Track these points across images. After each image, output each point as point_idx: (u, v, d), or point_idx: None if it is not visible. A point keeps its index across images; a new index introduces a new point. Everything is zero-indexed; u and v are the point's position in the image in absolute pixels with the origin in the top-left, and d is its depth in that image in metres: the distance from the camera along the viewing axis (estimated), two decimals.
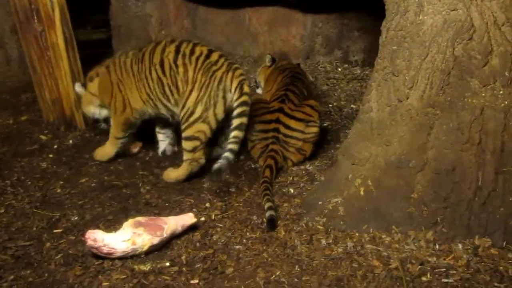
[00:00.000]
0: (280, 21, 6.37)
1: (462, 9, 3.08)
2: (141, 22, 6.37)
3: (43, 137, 4.96)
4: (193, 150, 4.07)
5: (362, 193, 3.43)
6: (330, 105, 5.47)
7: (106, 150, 4.50)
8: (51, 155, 4.63)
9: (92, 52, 6.87)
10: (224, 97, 4.01)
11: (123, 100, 4.37)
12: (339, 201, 3.49)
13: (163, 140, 4.62)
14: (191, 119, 4.04)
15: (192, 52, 4.12)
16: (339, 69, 6.30)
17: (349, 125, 4.66)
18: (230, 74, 4.02)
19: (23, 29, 4.81)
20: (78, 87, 4.63)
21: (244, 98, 3.94)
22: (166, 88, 4.16)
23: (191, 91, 4.04)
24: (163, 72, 4.15)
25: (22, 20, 4.76)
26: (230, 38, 6.63)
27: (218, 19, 6.58)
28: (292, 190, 3.99)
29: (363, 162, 3.46)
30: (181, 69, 4.09)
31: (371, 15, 5.50)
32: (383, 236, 3.30)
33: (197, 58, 4.08)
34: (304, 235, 3.38)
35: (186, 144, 4.10)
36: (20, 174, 4.29)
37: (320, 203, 3.58)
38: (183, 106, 4.06)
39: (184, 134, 4.10)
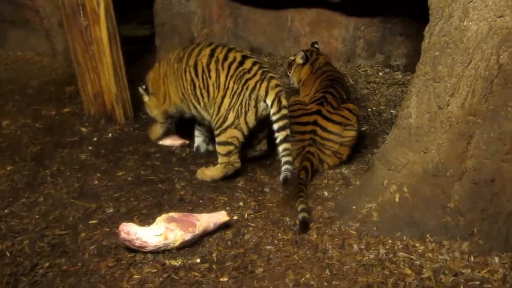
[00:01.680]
0: (323, 23, 6.33)
1: (509, 16, 2.99)
2: (184, 20, 6.43)
3: (83, 129, 5.06)
4: (228, 154, 4.10)
5: (397, 199, 3.38)
6: (369, 109, 5.41)
7: (155, 131, 4.77)
8: (90, 148, 4.72)
9: (136, 48, 7.01)
10: (256, 106, 4.00)
11: (165, 93, 4.52)
12: (373, 207, 3.45)
13: (198, 137, 4.66)
14: (224, 125, 4.07)
15: (225, 57, 4.14)
16: (380, 74, 6.22)
17: (388, 130, 4.59)
18: (264, 84, 3.99)
19: (69, 23, 4.93)
20: (142, 90, 4.79)
21: (283, 111, 3.92)
22: (198, 91, 4.21)
23: (223, 97, 4.06)
24: (196, 75, 4.21)
25: (69, 15, 4.87)
26: (272, 39, 6.63)
27: (260, 19, 6.58)
28: (326, 193, 3.96)
29: (399, 168, 3.41)
30: (213, 74, 4.12)
31: (415, 20, 5.40)
32: (417, 245, 3.24)
33: (230, 64, 4.10)
34: (336, 239, 3.36)
35: (220, 149, 4.13)
36: (60, 165, 4.40)
37: (354, 207, 3.55)
38: (216, 112, 4.09)
39: (217, 139, 4.14)
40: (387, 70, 6.28)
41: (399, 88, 5.83)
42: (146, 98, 4.78)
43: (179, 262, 3.18)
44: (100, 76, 5.01)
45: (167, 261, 3.18)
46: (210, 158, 4.46)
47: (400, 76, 6.15)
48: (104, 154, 4.61)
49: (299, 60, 5.08)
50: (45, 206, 3.81)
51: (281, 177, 3.70)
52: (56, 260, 3.22)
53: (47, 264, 3.18)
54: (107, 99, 5.11)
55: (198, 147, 4.68)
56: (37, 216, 3.68)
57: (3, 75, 6.64)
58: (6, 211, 3.75)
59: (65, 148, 4.69)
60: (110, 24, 4.88)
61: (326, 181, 4.13)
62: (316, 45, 5.33)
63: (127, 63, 5.22)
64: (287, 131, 3.88)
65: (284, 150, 3.83)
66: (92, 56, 4.95)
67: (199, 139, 4.68)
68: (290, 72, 5.21)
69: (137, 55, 6.83)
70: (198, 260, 3.20)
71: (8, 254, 3.29)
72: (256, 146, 4.38)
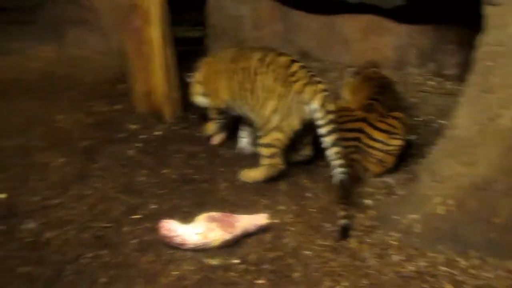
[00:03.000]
0: (374, 30, 6.25)
1: None
2: (235, 23, 6.49)
3: (132, 126, 5.18)
4: (271, 156, 4.11)
5: (441, 212, 3.31)
6: (418, 119, 5.31)
7: (210, 127, 4.82)
8: (138, 144, 4.82)
9: (187, 49, 7.11)
10: (301, 110, 3.98)
11: (216, 89, 4.57)
12: (416, 218, 3.39)
13: (244, 138, 4.69)
14: (268, 127, 4.08)
15: (273, 61, 4.16)
16: (431, 83, 6.08)
17: (435, 140, 4.49)
18: (310, 88, 3.98)
19: (123, 23, 5.06)
20: (188, 77, 4.89)
21: (330, 116, 3.90)
22: (246, 93, 4.25)
23: (268, 100, 4.07)
24: (245, 77, 4.25)
25: (123, 15, 5.00)
26: (321, 44, 6.60)
27: (311, 24, 6.56)
28: (368, 201, 3.91)
29: (445, 180, 3.34)
30: (260, 77, 4.15)
31: (470, 28, 5.27)
32: (459, 260, 3.17)
33: (277, 68, 4.11)
34: (376, 249, 3.32)
35: (263, 151, 4.14)
36: (108, 160, 4.51)
37: (396, 217, 3.50)
38: (260, 114, 4.12)
39: (261, 141, 4.15)
40: (439, 79, 6.13)
41: (450, 98, 5.66)
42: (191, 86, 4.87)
43: (217, 262, 3.22)
44: (150, 75, 5.11)
45: (205, 260, 3.22)
46: (254, 160, 4.47)
47: (452, 86, 5.99)
48: (151, 151, 4.70)
49: (349, 77, 5.08)
50: (92, 199, 3.93)
51: (337, 179, 3.71)
52: (99, 251, 3.32)
53: (91, 255, 3.29)
54: (156, 97, 5.21)
55: (242, 148, 4.71)
56: (84, 208, 3.80)
57: (60, 71, 6.87)
58: (56, 201, 3.89)
59: (114, 144, 4.81)
60: (162, 25, 4.98)
61: (369, 189, 4.08)
62: (375, 69, 5.25)
63: (178, 64, 5.30)
64: (335, 135, 3.85)
65: (335, 154, 3.81)
66: (143, 56, 5.06)
67: (244, 140, 4.71)
68: (342, 89, 5.20)
69: (188, 56, 6.90)
70: (236, 261, 3.23)
71: (55, 242, 3.42)
72: (301, 150, 4.38)
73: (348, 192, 3.78)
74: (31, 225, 3.60)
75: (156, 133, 5.06)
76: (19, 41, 7.36)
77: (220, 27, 6.53)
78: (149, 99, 5.23)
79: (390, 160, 4.27)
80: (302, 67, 4.12)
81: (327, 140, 3.85)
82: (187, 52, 6.92)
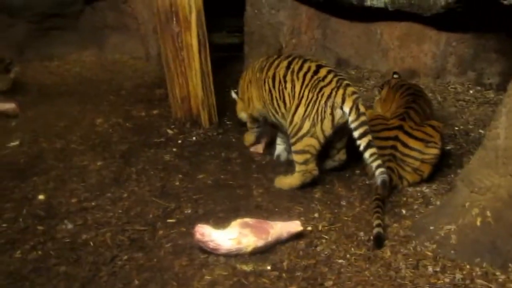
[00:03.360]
0: (413, 37, 6.19)
1: None
2: (273, 30, 6.51)
3: (169, 131, 5.25)
4: (305, 162, 4.10)
5: (478, 223, 3.24)
6: (456, 128, 5.21)
7: (248, 137, 4.90)
8: (174, 149, 4.89)
9: (225, 55, 7.19)
10: (332, 114, 3.97)
11: (249, 98, 4.64)
12: (453, 229, 3.33)
13: (280, 145, 4.70)
14: (300, 133, 4.08)
15: (300, 68, 4.17)
16: (471, 91, 5.98)
17: (474, 150, 4.40)
18: (340, 91, 3.96)
19: (162, 29, 5.14)
20: (234, 94, 5.04)
21: (362, 118, 3.88)
22: (275, 101, 4.28)
23: (297, 106, 4.08)
24: (273, 86, 4.28)
25: (163, 21, 5.08)
26: (359, 51, 6.57)
27: (349, 32, 6.54)
28: (404, 211, 3.86)
29: (483, 191, 3.27)
30: (288, 85, 4.16)
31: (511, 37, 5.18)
32: (497, 273, 3.10)
33: (305, 74, 4.11)
34: (410, 259, 3.27)
35: (297, 157, 4.14)
36: (145, 164, 4.59)
37: (431, 228, 3.44)
38: (291, 121, 4.12)
39: (293, 148, 4.15)
40: (479, 88, 6.03)
41: (490, 107, 5.57)
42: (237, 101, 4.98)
43: (250, 268, 3.22)
44: (188, 81, 5.18)
45: (238, 265, 3.24)
46: (289, 167, 4.47)
47: (492, 95, 5.88)
48: (187, 156, 4.76)
49: (378, 96, 5.06)
50: (128, 202, 4.00)
51: (379, 180, 3.70)
52: (134, 254, 3.37)
53: (126, 257, 3.35)
54: (193, 103, 5.27)
55: (278, 156, 4.72)
56: (120, 211, 3.87)
57: (101, 76, 7.04)
58: (93, 203, 3.98)
59: (151, 148, 4.89)
60: (200, 31, 5.04)
61: (404, 199, 4.03)
62: (395, 75, 5.21)
63: (215, 70, 5.36)
64: (369, 137, 3.83)
65: (371, 155, 3.79)
66: (181, 61, 5.13)
67: (280, 148, 4.72)
68: (374, 108, 5.16)
69: (226, 62, 7.00)
70: (269, 267, 3.23)
71: (91, 243, 3.49)
72: (335, 156, 4.35)
73: (389, 192, 3.78)
74: (69, 226, 3.69)
75: (193, 138, 5.12)
76: (61, 46, 7.58)
77: (258, 34, 6.56)
78: (186, 105, 5.29)
79: (426, 170, 4.20)
80: (330, 71, 4.11)
81: (361, 143, 3.83)
82: (224, 58, 7.02)
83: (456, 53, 6.08)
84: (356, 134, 3.86)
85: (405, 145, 4.18)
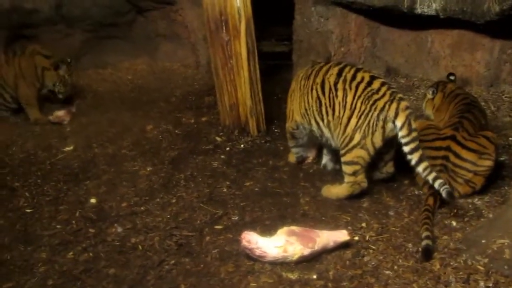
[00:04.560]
0: (465, 46, 6.04)
1: None
2: (321, 38, 6.49)
3: (218, 138, 5.31)
4: (354, 174, 4.07)
5: None
6: (510, 139, 5.05)
7: (291, 157, 4.83)
8: (222, 156, 4.94)
9: (273, 64, 7.22)
10: (384, 127, 3.93)
11: (290, 110, 4.62)
12: (506, 243, 3.22)
13: (326, 154, 4.67)
14: (350, 145, 4.04)
15: (353, 77, 4.12)
16: None
17: None
18: (394, 105, 3.91)
19: (212, 38, 5.22)
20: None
21: (414, 134, 3.85)
22: (323, 108, 4.23)
23: (349, 118, 4.04)
24: (323, 93, 4.24)
25: (213, 30, 5.16)
26: (410, 60, 6.46)
27: (399, 40, 6.45)
28: (454, 223, 3.77)
29: None
30: (340, 93, 4.12)
31: None
32: None
33: (358, 84, 4.07)
34: (460, 273, 3.19)
35: (346, 168, 4.11)
36: (193, 170, 4.66)
37: (483, 241, 3.34)
38: (343, 132, 4.09)
39: (343, 159, 4.12)
40: None
41: None
42: None
43: (296, 276, 3.22)
44: (237, 89, 5.23)
45: (284, 274, 3.23)
46: (336, 176, 4.44)
47: None
48: (235, 163, 4.80)
49: (429, 96, 4.94)
50: (177, 207, 4.07)
51: (444, 193, 3.66)
52: (181, 259, 3.43)
53: (173, 261, 3.40)
54: (242, 111, 5.31)
55: (325, 165, 4.69)
56: (168, 216, 3.94)
57: (152, 84, 7.20)
58: (142, 208, 4.07)
59: (199, 155, 4.96)
60: (249, 40, 5.08)
61: (455, 210, 3.92)
62: (451, 77, 5.10)
63: (264, 78, 5.39)
64: (420, 152, 3.81)
65: (425, 169, 3.78)
66: (230, 70, 5.18)
67: (326, 157, 4.69)
68: (423, 107, 5.07)
69: (274, 70, 7.03)
70: (315, 276, 3.21)
71: (140, 247, 3.57)
72: (383, 168, 4.30)
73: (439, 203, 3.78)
74: (118, 229, 3.79)
75: (241, 145, 5.16)
76: (114, 55, 7.81)
77: (307, 42, 6.56)
78: (234, 112, 5.34)
79: (479, 182, 4.09)
80: (384, 83, 4.06)
81: (413, 158, 3.81)
82: (273, 67, 7.05)
83: (511, 61, 5.89)
84: (406, 149, 3.83)
85: (458, 155, 4.08)
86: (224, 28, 5.06)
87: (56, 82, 6.14)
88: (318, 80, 4.31)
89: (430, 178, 3.76)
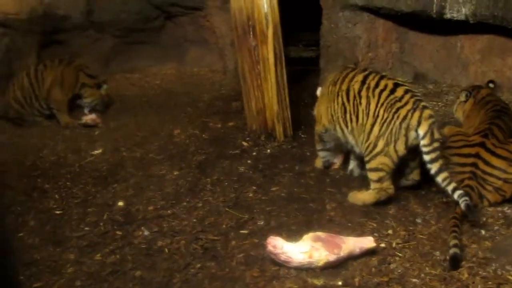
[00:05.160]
0: (495, 51, 5.95)
1: None
2: (349, 43, 6.47)
3: (244, 143, 5.32)
4: (379, 180, 4.04)
5: None
6: None
7: (317, 162, 4.80)
8: (249, 161, 4.95)
9: (300, 69, 7.22)
10: (406, 135, 3.90)
11: (318, 114, 4.62)
12: None
13: (353, 160, 4.64)
14: (374, 152, 4.02)
15: (377, 85, 4.10)
16: None
17: None
18: (417, 113, 3.88)
19: (239, 43, 5.25)
20: (319, 91, 4.86)
21: (435, 144, 3.82)
22: (348, 115, 4.23)
23: (372, 125, 4.03)
24: (348, 100, 4.24)
25: (240, 35, 5.19)
26: (438, 65, 6.40)
27: (427, 45, 6.39)
28: (483, 232, 3.70)
29: None
30: (363, 101, 4.11)
31: None
32: None
33: (381, 92, 4.05)
34: (490, 283, 3.13)
35: (371, 175, 4.09)
36: (220, 175, 4.68)
37: None
38: (367, 139, 4.07)
39: (368, 166, 4.11)
40: None
41: None
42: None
43: (321, 282, 3.20)
44: (264, 94, 5.23)
45: (309, 279, 3.22)
46: (363, 182, 4.41)
47: None
48: (261, 168, 4.80)
49: (462, 98, 4.88)
50: (203, 211, 4.09)
51: (463, 206, 3.61)
52: (206, 262, 3.44)
53: (199, 265, 3.42)
54: (268, 116, 5.32)
55: (352, 171, 4.66)
56: (194, 220, 3.96)
57: (180, 88, 7.27)
58: (169, 211, 4.10)
59: (226, 159, 4.98)
60: (277, 45, 5.09)
61: (484, 219, 3.86)
62: (491, 84, 5.02)
63: (291, 83, 5.39)
64: (440, 162, 3.78)
65: (444, 180, 3.74)
66: (258, 75, 5.19)
67: (353, 163, 4.66)
68: (454, 110, 5.01)
69: (301, 76, 7.03)
70: (340, 283, 3.19)
71: (166, 250, 3.60)
72: (408, 175, 4.25)
73: (476, 214, 3.71)
74: (145, 232, 3.82)
75: (267, 150, 5.17)
76: (143, 59, 7.92)
77: (334, 48, 6.54)
78: (261, 117, 5.35)
79: (509, 190, 4.01)
80: (407, 91, 4.02)
81: (432, 168, 3.79)
82: (300, 72, 7.05)
83: None
84: (427, 158, 3.81)
85: (487, 163, 4.02)
86: (251, 33, 5.08)
87: (96, 100, 6.45)
88: (344, 87, 4.30)
89: (449, 188, 3.72)
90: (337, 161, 4.79)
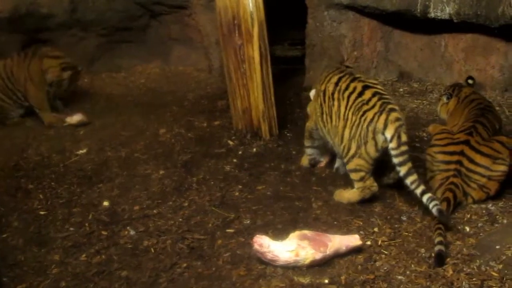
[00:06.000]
0: (479, 49, 6.01)
1: None
2: (334, 42, 6.50)
3: (230, 142, 5.31)
4: (361, 179, 4.07)
5: None
6: None
7: (304, 161, 4.80)
8: (235, 160, 4.94)
9: (286, 68, 7.23)
10: (375, 139, 3.91)
11: (311, 110, 4.64)
12: None
13: (339, 158, 4.65)
14: (349, 154, 4.06)
15: (347, 87, 4.13)
16: None
17: None
18: (383, 116, 3.88)
19: (225, 42, 5.23)
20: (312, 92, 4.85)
21: (403, 148, 3.81)
22: (324, 116, 4.28)
23: (344, 128, 4.06)
24: (324, 101, 4.28)
25: (225, 34, 5.18)
26: (423, 64, 6.45)
27: (412, 44, 6.44)
28: (468, 229, 3.74)
29: None
30: (336, 103, 4.14)
31: None
32: None
33: (349, 95, 4.07)
34: (474, 279, 3.15)
35: (352, 175, 4.12)
36: (206, 174, 4.66)
37: (497, 247, 3.32)
38: (341, 141, 4.11)
39: (347, 167, 4.15)
40: None
41: None
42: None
43: (307, 280, 3.21)
44: (249, 93, 5.23)
45: (295, 278, 3.23)
46: (349, 180, 4.41)
47: None
48: (247, 167, 4.80)
49: (444, 101, 4.92)
50: (189, 210, 4.07)
51: (434, 211, 3.61)
52: (192, 262, 3.43)
53: (185, 264, 3.41)
54: (254, 115, 5.31)
55: (338, 168, 4.67)
56: (180, 219, 3.95)
57: (165, 87, 7.23)
58: (155, 211, 4.08)
59: (212, 158, 4.96)
60: (262, 44, 5.09)
61: (469, 216, 3.89)
62: (470, 81, 5.06)
63: (277, 82, 5.39)
64: (409, 165, 3.78)
65: (412, 183, 3.75)
66: (243, 74, 5.19)
67: (340, 161, 4.67)
68: (438, 111, 5.04)
69: (287, 74, 7.04)
70: (326, 281, 3.20)
71: (152, 250, 3.58)
72: (389, 174, 4.27)
73: (448, 218, 3.68)
74: (131, 232, 3.80)
75: (253, 149, 5.16)
76: (128, 58, 7.87)
77: (320, 47, 6.57)
78: (247, 116, 5.34)
79: (493, 187, 4.05)
80: (375, 93, 4.02)
81: (401, 170, 3.79)
82: (286, 71, 7.06)
83: None
84: (395, 160, 3.82)
85: (472, 160, 4.06)
86: (237, 32, 5.07)
87: (54, 81, 6.09)
88: (322, 87, 4.33)
89: (418, 192, 3.72)
90: (324, 160, 4.80)
